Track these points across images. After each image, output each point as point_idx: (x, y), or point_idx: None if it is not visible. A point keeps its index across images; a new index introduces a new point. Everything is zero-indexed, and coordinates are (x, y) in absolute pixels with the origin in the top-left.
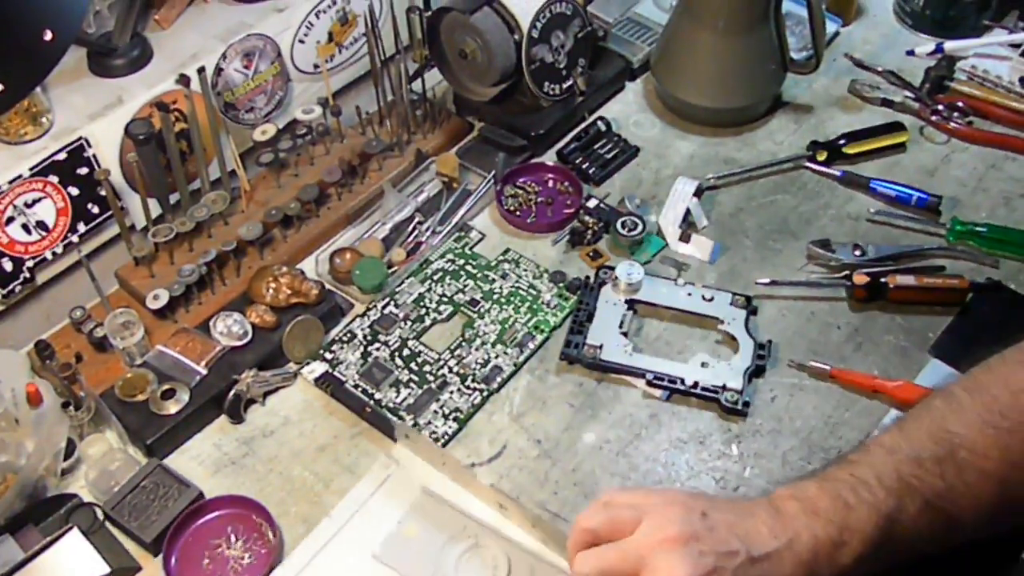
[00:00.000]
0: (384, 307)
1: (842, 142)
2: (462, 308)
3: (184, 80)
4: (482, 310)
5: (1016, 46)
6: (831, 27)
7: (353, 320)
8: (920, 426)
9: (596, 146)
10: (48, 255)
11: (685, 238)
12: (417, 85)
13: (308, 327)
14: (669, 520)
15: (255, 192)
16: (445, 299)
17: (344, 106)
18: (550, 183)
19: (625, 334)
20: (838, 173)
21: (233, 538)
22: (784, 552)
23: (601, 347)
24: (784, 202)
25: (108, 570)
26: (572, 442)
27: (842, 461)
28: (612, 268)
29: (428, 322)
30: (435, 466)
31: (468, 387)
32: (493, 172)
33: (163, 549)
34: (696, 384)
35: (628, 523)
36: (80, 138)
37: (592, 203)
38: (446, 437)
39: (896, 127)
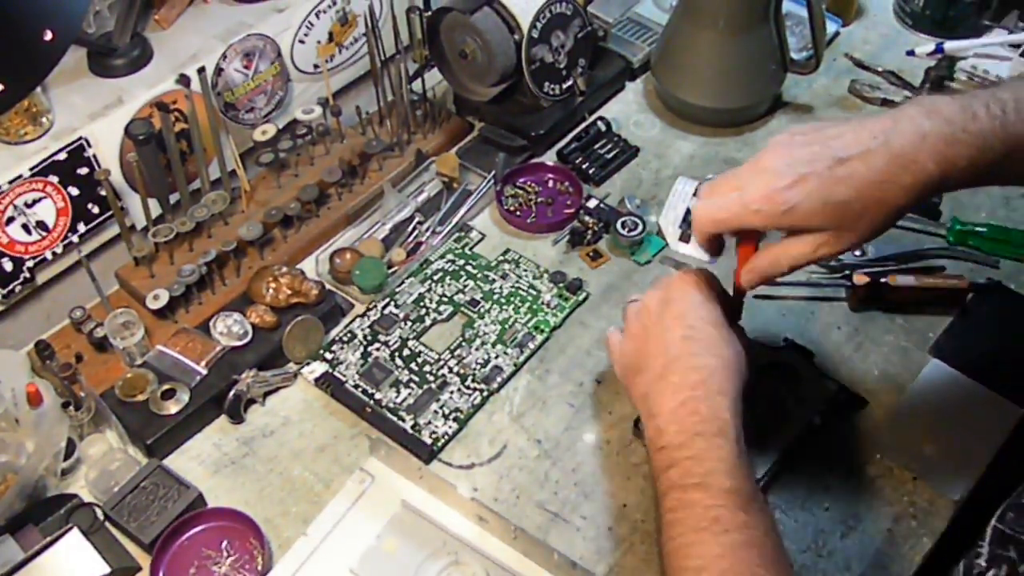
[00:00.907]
0: (384, 307)
1: None
2: (462, 308)
3: (184, 80)
4: (482, 310)
5: (1016, 46)
6: (831, 27)
7: (353, 320)
8: None
9: (596, 146)
10: (48, 255)
11: (685, 238)
12: (417, 85)
13: (308, 327)
14: (760, 155)
15: (255, 192)
16: (445, 299)
17: (344, 106)
18: (550, 183)
19: None
20: None
21: (225, 554)
22: (878, 149)
23: None
24: None
25: (108, 570)
26: (572, 442)
27: (985, 88)
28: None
29: (428, 322)
30: (412, 479)
31: (468, 387)
32: (493, 172)
33: (156, 549)
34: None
35: None
36: (80, 138)
37: (592, 203)
38: (446, 437)
39: None
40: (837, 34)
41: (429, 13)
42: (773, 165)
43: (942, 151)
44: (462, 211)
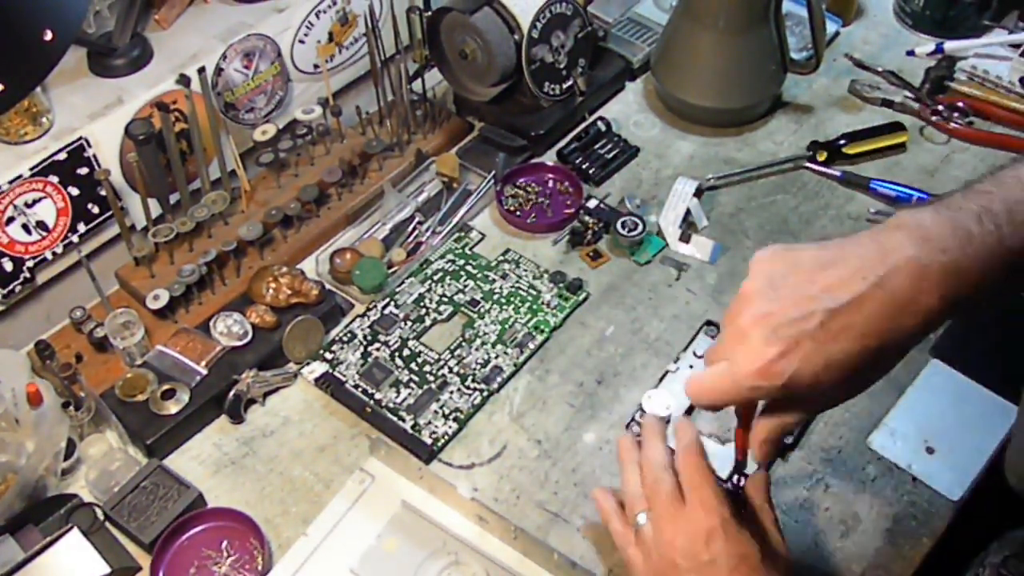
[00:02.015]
0: (384, 307)
1: (842, 142)
2: (462, 308)
3: (184, 80)
4: (482, 310)
5: (1016, 46)
6: (831, 27)
7: (353, 320)
8: None
9: (596, 146)
10: (48, 255)
11: (685, 238)
12: (417, 85)
13: (308, 327)
14: (739, 312)
15: (255, 192)
16: (445, 299)
17: (344, 106)
18: (550, 183)
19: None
20: (838, 173)
21: (225, 554)
22: (872, 293)
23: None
24: (784, 202)
25: (108, 570)
26: (572, 442)
27: (969, 190)
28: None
29: (428, 322)
30: (412, 479)
31: (468, 387)
32: (493, 172)
33: (156, 549)
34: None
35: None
36: (80, 138)
37: (592, 203)
38: (446, 437)
39: (896, 127)
40: (837, 34)
41: (429, 13)
42: (757, 332)
43: (943, 284)
44: (462, 211)
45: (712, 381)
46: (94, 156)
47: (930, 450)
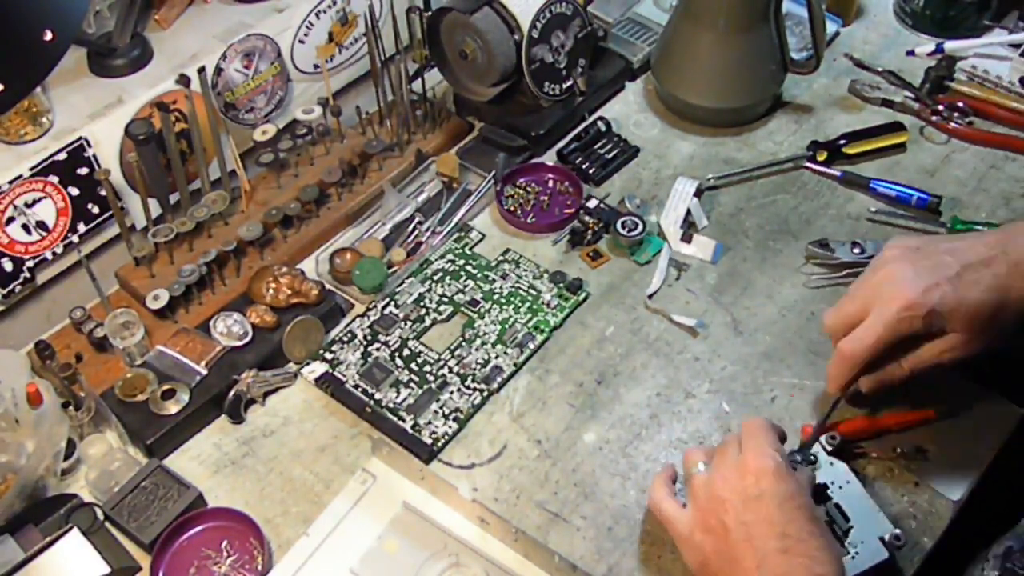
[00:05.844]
0: (384, 307)
1: (842, 142)
2: (462, 308)
3: (184, 80)
4: (482, 310)
5: (1016, 46)
6: (831, 27)
7: (353, 320)
8: None
9: (596, 146)
10: (48, 255)
11: (687, 238)
12: (417, 85)
13: (308, 327)
14: (882, 266)
15: (255, 192)
16: (445, 299)
17: (344, 106)
18: (550, 183)
19: None
20: (838, 173)
21: (225, 554)
22: (998, 257)
23: None
24: (784, 202)
25: (108, 570)
26: (572, 442)
27: None
28: None
29: (428, 322)
30: (414, 480)
31: (468, 387)
32: (493, 172)
33: (156, 549)
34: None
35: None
36: (80, 138)
37: (592, 203)
38: (446, 437)
39: (896, 127)
40: (837, 34)
41: (429, 13)
42: (901, 275)
43: None
44: (462, 211)
45: (862, 333)
46: (94, 156)
47: (930, 450)
